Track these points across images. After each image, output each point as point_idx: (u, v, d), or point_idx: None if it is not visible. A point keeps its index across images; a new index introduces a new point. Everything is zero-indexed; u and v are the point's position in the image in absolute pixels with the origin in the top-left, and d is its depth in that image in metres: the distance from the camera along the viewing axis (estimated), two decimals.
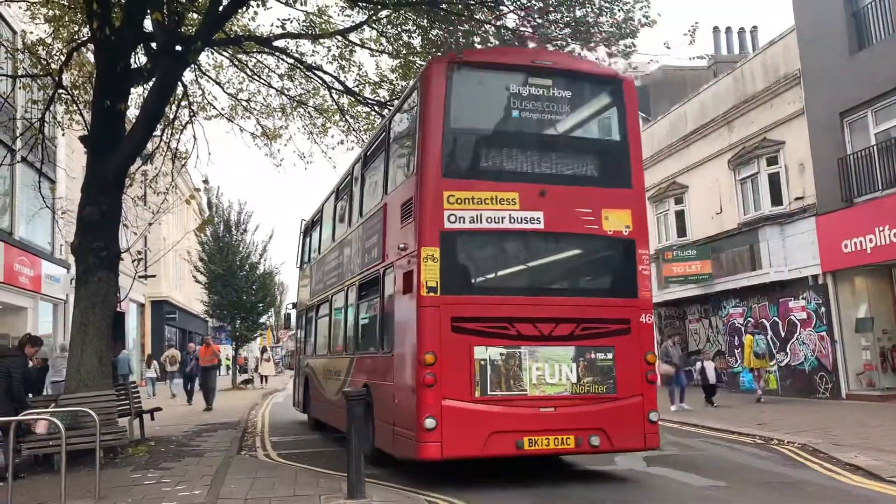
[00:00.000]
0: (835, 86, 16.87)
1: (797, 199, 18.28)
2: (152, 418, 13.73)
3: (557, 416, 8.15)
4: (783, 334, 18.80)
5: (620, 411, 8.38)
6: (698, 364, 17.45)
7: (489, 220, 8.32)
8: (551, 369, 8.23)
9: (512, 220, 8.38)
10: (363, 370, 10.52)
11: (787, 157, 18.69)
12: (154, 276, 33.20)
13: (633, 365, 8.50)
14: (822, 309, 17.52)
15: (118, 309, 12.82)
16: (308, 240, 16.42)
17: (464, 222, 8.27)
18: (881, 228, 15.42)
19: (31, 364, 11.08)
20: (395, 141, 9.99)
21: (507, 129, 8.95)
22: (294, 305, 18.06)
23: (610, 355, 8.43)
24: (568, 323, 8.35)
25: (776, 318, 19.15)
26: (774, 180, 19.19)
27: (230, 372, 36.72)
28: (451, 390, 7.90)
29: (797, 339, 18.34)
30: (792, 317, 18.32)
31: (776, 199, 19.11)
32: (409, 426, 8.15)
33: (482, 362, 8.04)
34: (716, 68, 24.67)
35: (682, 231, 23.50)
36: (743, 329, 20.40)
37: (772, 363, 18.19)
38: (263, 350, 36.67)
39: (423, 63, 11.38)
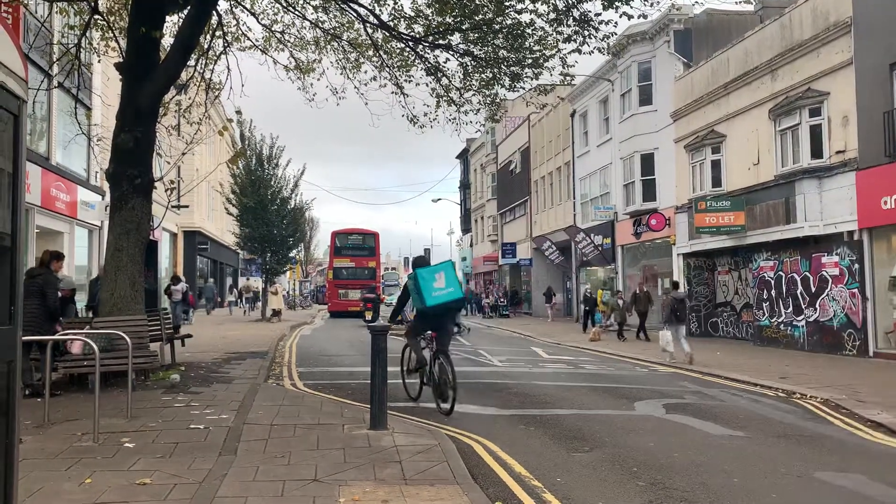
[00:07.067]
0: (887, 35, 16.22)
1: (838, 152, 17.81)
2: (182, 344, 14.11)
3: (358, 304, 33.95)
4: (813, 290, 18.58)
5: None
6: None
7: (342, 264, 40.28)
8: (355, 294, 37.13)
9: (347, 264, 40.16)
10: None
11: (830, 108, 18.15)
12: (187, 206, 33.57)
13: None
14: (856, 266, 17.23)
15: (151, 237, 13.01)
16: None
17: (339, 265, 40.34)
18: None
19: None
20: (329, 248, 43.28)
21: (347, 245, 40.78)
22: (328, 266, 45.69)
23: (371, 294, 33.41)
24: (360, 286, 37.41)
25: (807, 273, 18.89)
26: (816, 132, 18.68)
27: (258, 304, 37.30)
28: (333, 297, 40.05)
29: (827, 294, 18.13)
30: (824, 272, 18.06)
31: (816, 151, 18.63)
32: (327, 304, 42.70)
33: (339, 292, 39.27)
34: (762, 13, 23.75)
35: (716, 181, 23.08)
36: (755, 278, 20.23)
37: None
38: (270, 283, 33.70)
39: None
